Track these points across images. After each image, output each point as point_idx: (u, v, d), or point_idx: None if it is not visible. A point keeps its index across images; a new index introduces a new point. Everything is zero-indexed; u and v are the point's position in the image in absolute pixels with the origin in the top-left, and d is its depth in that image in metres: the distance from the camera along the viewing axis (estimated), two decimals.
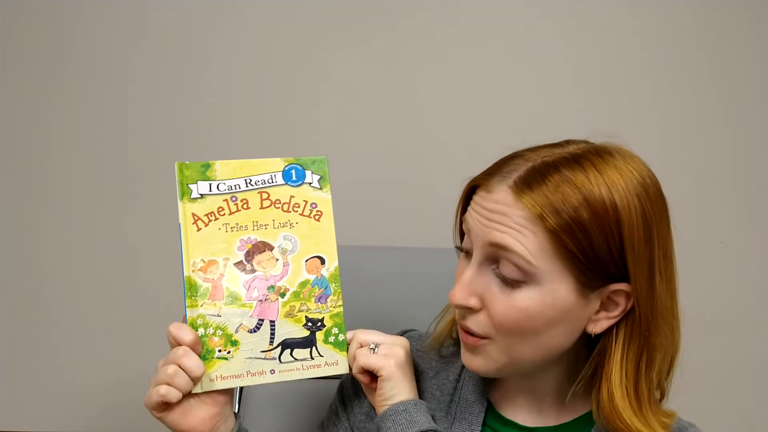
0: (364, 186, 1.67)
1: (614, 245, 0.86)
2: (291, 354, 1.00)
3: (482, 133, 1.67)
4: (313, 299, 1.01)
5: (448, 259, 1.31)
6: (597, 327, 0.91)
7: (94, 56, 1.68)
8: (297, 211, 1.01)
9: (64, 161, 1.69)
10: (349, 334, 1.03)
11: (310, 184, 1.02)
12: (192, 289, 0.97)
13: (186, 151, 1.66)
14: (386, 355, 0.99)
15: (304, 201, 1.02)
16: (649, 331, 0.90)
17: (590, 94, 1.68)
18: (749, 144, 1.69)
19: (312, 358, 1.00)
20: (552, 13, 1.67)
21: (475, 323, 0.93)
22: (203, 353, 0.96)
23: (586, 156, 0.89)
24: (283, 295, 1.00)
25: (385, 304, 1.35)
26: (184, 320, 0.97)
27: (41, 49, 1.67)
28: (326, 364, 1.01)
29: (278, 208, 1.01)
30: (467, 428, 1.01)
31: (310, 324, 1.00)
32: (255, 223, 1.00)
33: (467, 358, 0.96)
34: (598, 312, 0.91)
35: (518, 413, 1.02)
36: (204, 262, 0.98)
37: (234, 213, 0.99)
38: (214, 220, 0.99)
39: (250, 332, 0.99)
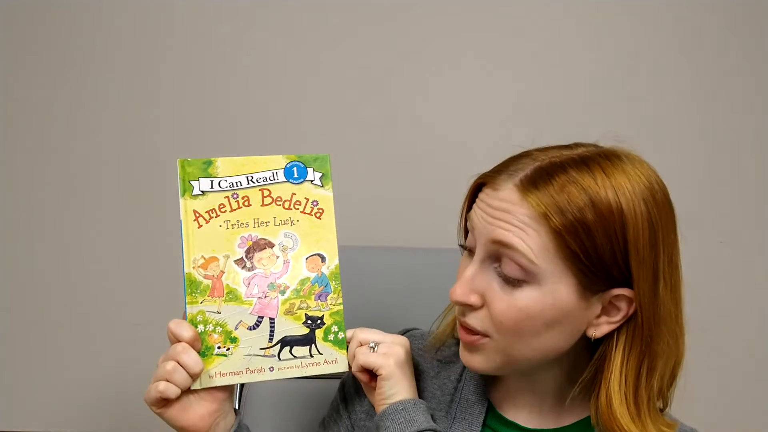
0: (367, 185, 1.67)
1: (618, 248, 0.86)
2: (290, 352, 1.00)
3: (488, 134, 1.67)
4: (313, 297, 1.01)
5: (449, 259, 1.31)
6: (597, 331, 0.91)
7: (96, 54, 1.67)
8: (298, 209, 1.01)
9: (63, 159, 1.69)
10: (349, 333, 1.02)
11: (312, 181, 1.02)
12: (192, 285, 0.97)
13: (189, 149, 1.66)
14: (386, 353, 0.99)
15: (305, 198, 1.01)
16: (651, 337, 0.89)
17: (596, 96, 1.68)
18: (749, 144, 1.69)
19: (311, 356, 1.00)
20: (564, 14, 1.67)
21: (475, 320, 0.92)
22: (202, 350, 0.96)
23: (595, 158, 0.89)
24: (283, 292, 1.00)
25: (386, 304, 1.35)
26: (184, 317, 0.97)
27: (43, 48, 1.67)
28: (325, 362, 1.01)
29: (279, 205, 1.01)
30: (467, 428, 1.01)
31: (309, 322, 1.00)
32: (256, 221, 1.00)
33: (466, 356, 0.96)
34: (599, 316, 0.90)
35: (519, 414, 1.02)
36: (204, 258, 0.98)
37: (235, 210, 0.99)
38: (215, 217, 0.99)
39: (250, 329, 0.99)
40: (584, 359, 0.95)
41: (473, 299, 0.91)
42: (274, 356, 0.99)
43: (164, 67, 1.67)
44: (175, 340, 0.95)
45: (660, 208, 0.89)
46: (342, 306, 1.02)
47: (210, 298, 0.97)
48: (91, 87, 1.68)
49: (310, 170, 1.02)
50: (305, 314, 1.00)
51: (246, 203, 1.00)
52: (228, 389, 1.00)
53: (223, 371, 0.97)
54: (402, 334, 1.06)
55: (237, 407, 1.32)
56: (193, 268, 0.97)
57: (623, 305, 0.89)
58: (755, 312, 1.71)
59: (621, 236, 0.86)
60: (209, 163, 1.00)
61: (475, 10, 1.66)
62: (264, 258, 0.99)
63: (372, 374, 1.01)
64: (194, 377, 0.95)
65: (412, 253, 1.45)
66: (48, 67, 1.67)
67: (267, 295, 0.99)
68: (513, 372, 0.98)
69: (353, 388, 1.11)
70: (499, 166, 0.93)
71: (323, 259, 1.01)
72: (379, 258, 1.42)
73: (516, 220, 0.87)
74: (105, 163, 1.68)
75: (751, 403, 1.73)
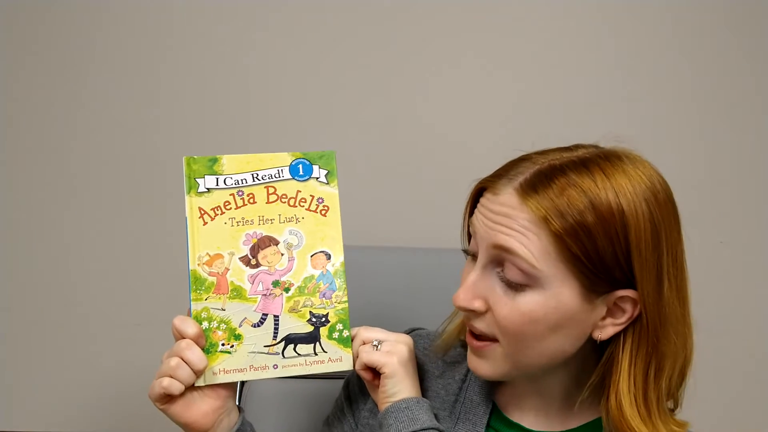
0: (367, 185, 1.67)
1: (620, 250, 0.85)
2: (294, 349, 1.00)
3: (488, 134, 1.67)
4: (317, 294, 1.00)
5: (449, 259, 1.31)
6: (603, 333, 0.90)
7: (96, 54, 1.67)
8: (303, 206, 1.01)
9: (63, 159, 1.68)
10: (353, 331, 1.02)
11: (317, 178, 1.02)
12: (197, 282, 0.97)
13: (189, 149, 1.65)
14: (389, 352, 0.99)
15: (310, 196, 1.01)
16: (658, 338, 0.89)
17: (596, 96, 1.68)
18: (749, 144, 1.69)
19: (315, 354, 1.00)
20: (564, 14, 1.67)
21: (481, 324, 0.92)
22: (207, 346, 0.97)
23: (595, 160, 0.89)
24: (287, 290, 1.00)
25: (385, 304, 1.35)
26: (189, 314, 0.97)
27: (43, 48, 1.66)
28: (330, 360, 1.01)
29: (284, 202, 1.00)
30: (471, 429, 1.01)
31: (314, 319, 1.00)
32: (261, 218, 1.00)
33: (473, 362, 0.96)
34: (604, 318, 0.90)
35: (524, 417, 1.02)
36: (209, 255, 0.98)
37: (240, 207, 0.99)
38: (221, 214, 0.99)
39: (254, 326, 0.98)
40: (591, 362, 0.94)
41: (477, 304, 0.91)
42: (278, 354, 0.99)
43: (164, 66, 1.67)
44: (180, 336, 0.95)
45: (662, 207, 0.88)
46: (347, 304, 1.01)
47: (214, 295, 0.97)
48: (91, 87, 1.67)
49: (315, 167, 1.02)
50: (310, 312, 1.00)
51: (251, 200, 1.00)
52: (232, 386, 1.00)
53: (227, 368, 0.97)
54: (407, 334, 1.06)
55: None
56: (198, 265, 0.97)
57: (628, 307, 0.89)
58: (755, 312, 1.71)
59: (623, 238, 0.85)
60: (215, 160, 0.99)
61: (475, 10, 1.67)
62: (269, 255, 0.99)
63: (375, 372, 1.00)
64: (198, 374, 0.95)
65: (412, 252, 1.45)
66: (48, 67, 1.67)
67: (271, 292, 0.99)
68: (520, 377, 0.98)
69: (357, 387, 1.11)
70: (499, 170, 0.93)
71: (328, 256, 1.01)
72: (379, 258, 1.42)
73: (516, 225, 0.87)
74: (105, 163, 1.68)
75: (751, 403, 1.73)
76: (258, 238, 0.99)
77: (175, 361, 0.93)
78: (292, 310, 1.00)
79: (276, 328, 0.99)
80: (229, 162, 1.00)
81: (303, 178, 1.01)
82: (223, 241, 0.98)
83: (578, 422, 0.99)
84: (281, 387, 1.34)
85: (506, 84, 1.69)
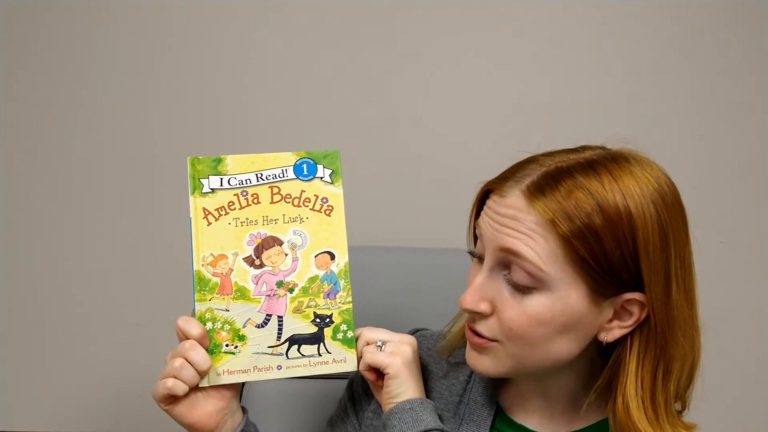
0: (367, 185, 1.67)
1: (628, 252, 0.85)
2: (298, 350, 0.99)
3: (488, 134, 1.67)
4: (322, 295, 1.00)
5: (450, 259, 1.31)
6: (609, 336, 0.90)
7: (96, 54, 1.67)
8: (308, 206, 1.01)
9: (63, 159, 1.68)
10: (357, 332, 1.02)
11: (322, 178, 1.01)
12: (201, 283, 0.97)
13: (189, 149, 1.65)
14: (393, 352, 0.99)
15: (315, 196, 1.01)
16: (666, 341, 0.88)
17: (596, 96, 1.68)
18: (749, 144, 1.69)
19: (320, 355, 1.00)
20: (564, 14, 1.67)
21: (484, 327, 0.92)
22: (210, 347, 0.96)
23: (602, 162, 0.88)
24: (291, 290, 0.99)
25: (387, 304, 1.35)
26: (193, 314, 0.97)
27: (43, 48, 1.66)
28: (334, 360, 1.00)
29: (289, 202, 1.00)
30: (475, 430, 1.01)
31: (318, 320, 1.00)
32: (265, 218, 0.99)
33: (472, 358, 0.95)
34: (611, 321, 0.90)
35: (529, 418, 1.01)
36: (213, 256, 0.98)
37: (244, 208, 0.99)
38: (225, 214, 0.98)
39: (258, 327, 0.98)
40: (597, 364, 0.94)
41: (483, 307, 0.91)
42: (282, 354, 0.99)
43: (165, 67, 1.67)
44: (184, 337, 0.95)
45: (670, 209, 0.88)
46: (351, 304, 1.01)
47: (218, 295, 0.97)
48: (91, 87, 1.67)
49: (319, 167, 1.02)
50: (314, 312, 1.00)
51: (255, 201, 0.99)
52: (236, 387, 1.00)
53: (231, 369, 0.97)
54: (411, 334, 1.05)
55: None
56: (202, 265, 0.97)
57: (635, 309, 0.88)
58: (755, 312, 1.71)
59: (630, 240, 0.85)
60: (219, 160, 0.99)
61: (475, 10, 1.66)
62: (273, 255, 0.99)
63: (379, 373, 1.00)
64: (202, 374, 0.95)
65: (413, 253, 1.44)
66: (48, 67, 1.66)
67: (275, 293, 0.99)
68: (521, 376, 0.98)
69: (361, 387, 1.11)
70: (505, 172, 0.93)
71: (333, 256, 1.01)
72: (379, 258, 1.41)
73: (523, 228, 0.86)
74: (105, 163, 1.68)
75: (751, 403, 1.73)
76: (262, 238, 0.99)
77: (179, 361, 0.93)
78: (296, 310, 0.99)
79: (280, 329, 0.99)
80: (233, 162, 1.00)
81: (307, 178, 1.01)
82: (228, 242, 0.98)
83: (583, 424, 0.99)
84: (284, 387, 1.34)
85: (506, 84, 1.68)
